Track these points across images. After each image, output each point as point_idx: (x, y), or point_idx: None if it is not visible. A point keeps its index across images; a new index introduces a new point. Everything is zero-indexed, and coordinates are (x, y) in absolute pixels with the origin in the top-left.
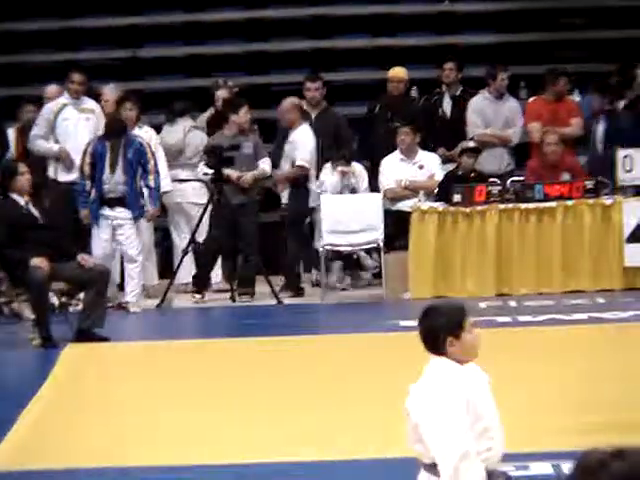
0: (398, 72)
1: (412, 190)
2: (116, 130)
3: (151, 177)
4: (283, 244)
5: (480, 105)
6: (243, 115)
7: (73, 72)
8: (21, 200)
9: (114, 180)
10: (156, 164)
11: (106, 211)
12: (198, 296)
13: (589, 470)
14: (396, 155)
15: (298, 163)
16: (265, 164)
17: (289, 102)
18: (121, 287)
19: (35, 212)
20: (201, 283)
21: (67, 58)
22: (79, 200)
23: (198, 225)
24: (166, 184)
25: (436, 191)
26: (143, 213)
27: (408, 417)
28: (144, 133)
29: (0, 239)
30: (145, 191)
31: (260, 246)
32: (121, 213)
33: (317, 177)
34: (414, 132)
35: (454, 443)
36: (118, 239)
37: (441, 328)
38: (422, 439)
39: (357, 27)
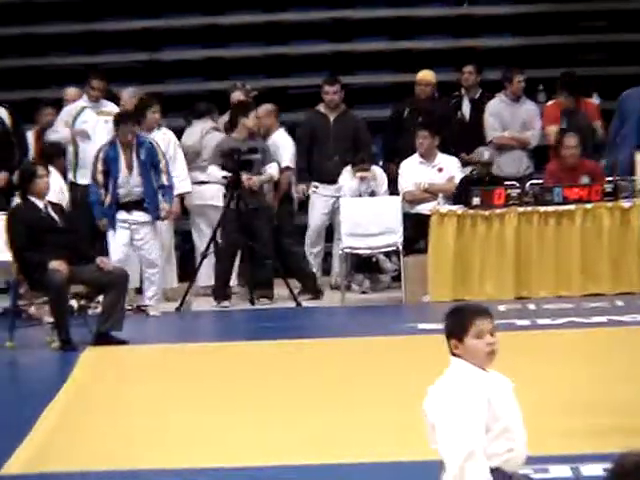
0: (426, 75)
1: (431, 193)
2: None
3: (164, 176)
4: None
5: (497, 108)
6: (252, 119)
7: (92, 78)
8: (40, 203)
9: (130, 183)
10: (167, 163)
11: (123, 215)
12: (223, 303)
13: (625, 472)
14: (415, 158)
15: (285, 164)
16: (272, 169)
17: (264, 108)
18: (139, 290)
19: (54, 215)
20: (221, 293)
21: (87, 61)
22: (95, 209)
23: (217, 228)
24: (186, 185)
25: (454, 194)
26: (160, 215)
27: (426, 418)
28: (162, 135)
29: (19, 242)
30: (160, 191)
31: (278, 250)
32: (139, 216)
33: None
34: (432, 135)
35: (460, 442)
36: (137, 243)
37: (447, 331)
38: (442, 439)
39: (376, 30)
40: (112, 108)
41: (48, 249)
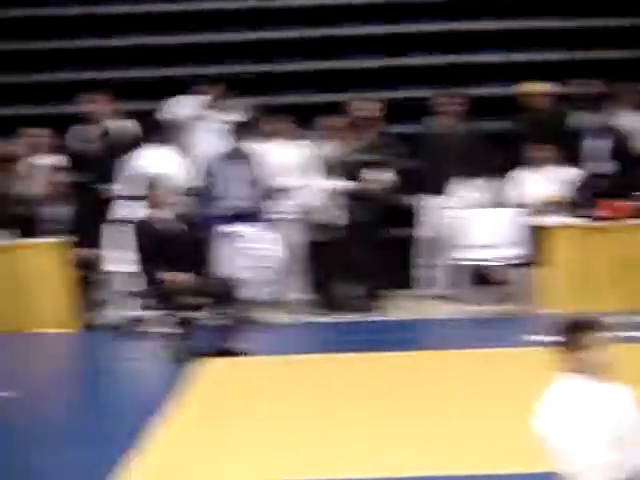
0: (541, 86)
1: (550, 205)
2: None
3: (265, 184)
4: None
5: None
6: (369, 131)
7: (208, 85)
8: (167, 215)
9: (243, 194)
10: (267, 172)
11: (238, 227)
12: (337, 314)
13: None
14: (532, 170)
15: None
16: (387, 177)
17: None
18: (254, 302)
19: (176, 227)
20: (335, 304)
21: (209, 72)
22: (207, 219)
23: (331, 238)
24: (313, 196)
25: (573, 205)
26: (271, 226)
27: (538, 431)
28: (291, 147)
29: (144, 253)
30: (270, 197)
31: (388, 261)
32: (254, 228)
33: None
34: (548, 147)
35: (581, 456)
36: (251, 254)
37: (560, 343)
38: (555, 453)
39: (493, 42)
40: (221, 117)
41: (169, 261)
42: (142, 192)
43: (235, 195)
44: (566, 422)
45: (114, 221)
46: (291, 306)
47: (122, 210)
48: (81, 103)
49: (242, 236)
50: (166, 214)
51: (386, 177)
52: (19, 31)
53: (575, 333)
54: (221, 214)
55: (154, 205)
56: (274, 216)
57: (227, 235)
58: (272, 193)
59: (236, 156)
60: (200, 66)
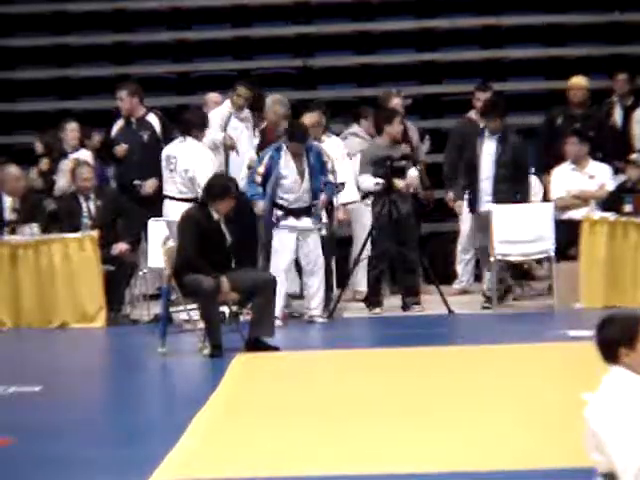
0: (579, 81)
1: (582, 199)
2: (298, 136)
3: (330, 176)
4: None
5: None
6: (396, 126)
7: (240, 85)
8: (216, 215)
9: (302, 189)
10: (333, 164)
11: (292, 221)
12: (375, 309)
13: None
14: (567, 165)
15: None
16: (414, 175)
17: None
18: (296, 296)
19: (223, 227)
20: (375, 301)
21: (240, 67)
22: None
23: (369, 234)
24: (353, 194)
25: (607, 200)
26: (323, 224)
27: (587, 425)
28: (331, 142)
29: (189, 249)
30: (323, 188)
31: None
32: (306, 223)
33: None
34: (582, 142)
35: (635, 453)
36: (302, 251)
37: (615, 339)
38: (600, 448)
39: (528, 37)
40: (248, 113)
41: (213, 260)
42: (187, 192)
43: (297, 190)
44: (623, 420)
45: (157, 218)
46: (329, 302)
47: (167, 209)
48: (109, 98)
49: (300, 230)
50: (217, 215)
51: (412, 172)
52: (43, 26)
53: (632, 327)
54: (280, 209)
55: (213, 207)
56: (323, 197)
57: (286, 229)
58: (328, 179)
59: (292, 149)
60: (237, 61)
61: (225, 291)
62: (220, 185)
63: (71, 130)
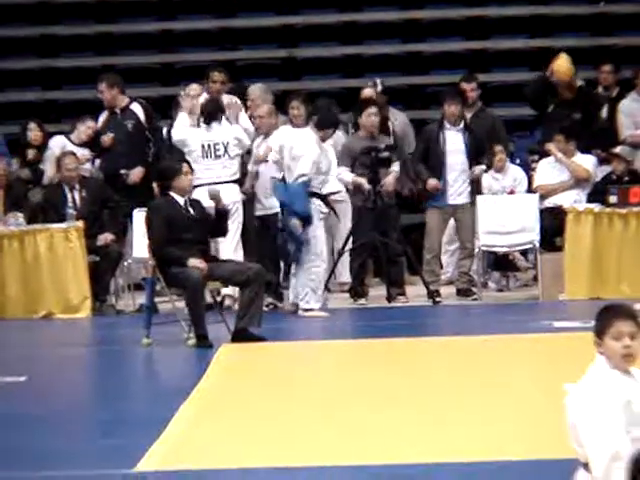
0: (562, 62)
1: (572, 191)
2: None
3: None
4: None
5: (629, 107)
6: (369, 117)
7: (211, 70)
8: (181, 200)
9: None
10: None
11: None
12: (359, 300)
13: None
14: (552, 158)
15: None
16: (396, 166)
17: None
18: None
19: (192, 212)
20: (357, 291)
21: (225, 57)
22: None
23: (353, 226)
24: (335, 184)
25: (592, 192)
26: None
27: (567, 415)
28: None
29: (159, 238)
30: None
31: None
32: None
33: None
34: (568, 140)
35: (606, 443)
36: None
37: (594, 328)
38: (578, 439)
39: (513, 28)
40: (228, 100)
41: (186, 246)
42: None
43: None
44: (595, 410)
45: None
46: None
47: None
48: (93, 89)
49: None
50: (182, 199)
51: (389, 178)
52: (28, 16)
53: (603, 320)
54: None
55: (173, 189)
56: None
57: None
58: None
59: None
60: (222, 52)
61: (194, 265)
62: (167, 167)
63: (33, 129)
